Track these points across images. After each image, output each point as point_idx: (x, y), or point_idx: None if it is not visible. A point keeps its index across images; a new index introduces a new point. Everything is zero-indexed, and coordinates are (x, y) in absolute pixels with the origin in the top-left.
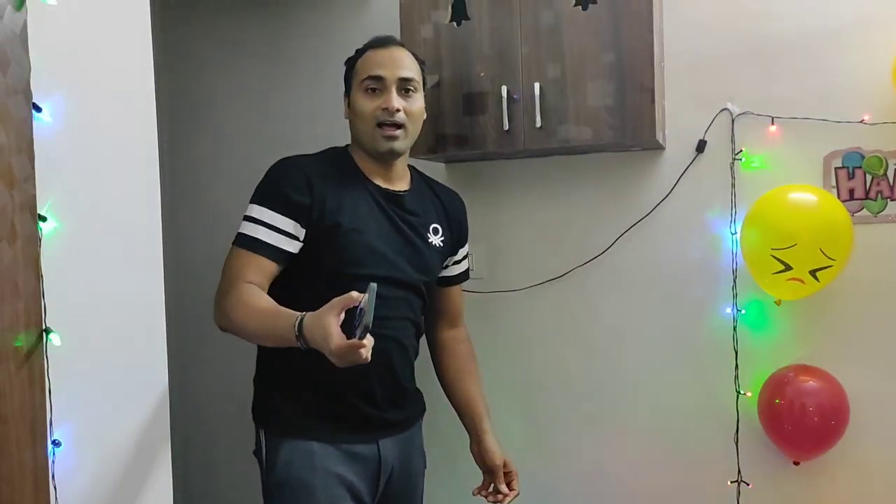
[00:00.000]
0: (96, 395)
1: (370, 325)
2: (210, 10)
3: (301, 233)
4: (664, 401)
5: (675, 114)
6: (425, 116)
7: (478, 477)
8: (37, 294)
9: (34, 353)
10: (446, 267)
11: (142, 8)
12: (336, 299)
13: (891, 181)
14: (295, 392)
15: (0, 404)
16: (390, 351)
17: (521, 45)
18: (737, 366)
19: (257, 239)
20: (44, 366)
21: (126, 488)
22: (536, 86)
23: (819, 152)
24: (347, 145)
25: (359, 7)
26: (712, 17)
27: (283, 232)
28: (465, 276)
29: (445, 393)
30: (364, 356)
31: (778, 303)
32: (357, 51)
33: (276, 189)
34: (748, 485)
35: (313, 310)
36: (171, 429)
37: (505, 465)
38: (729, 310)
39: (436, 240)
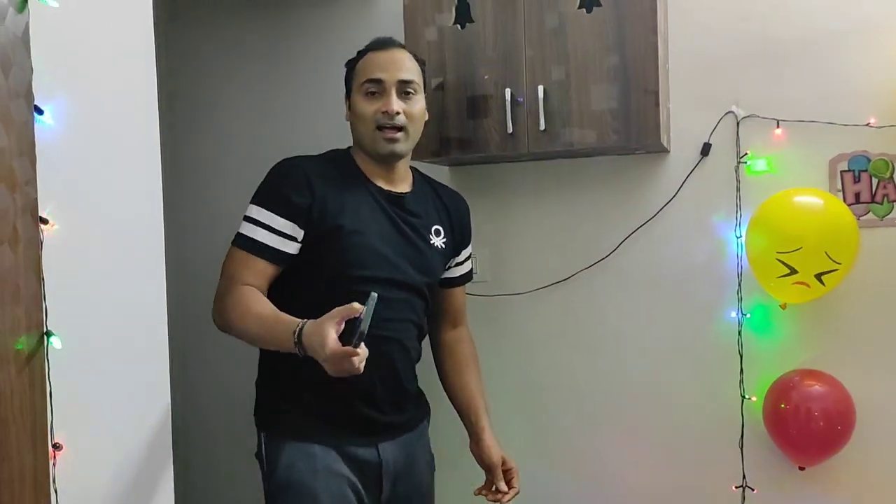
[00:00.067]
0: (97, 399)
1: (365, 333)
2: (212, 11)
3: (299, 234)
4: (668, 405)
5: (680, 116)
6: (427, 117)
7: (480, 478)
8: (38, 297)
9: (35, 356)
10: (449, 268)
11: (144, 10)
12: (337, 309)
13: None
14: (296, 394)
15: (1, 407)
16: (392, 352)
17: (525, 48)
18: (742, 370)
19: (256, 240)
20: (45, 369)
21: (128, 491)
22: (540, 88)
23: (825, 155)
24: (349, 147)
25: (362, 9)
26: (717, 19)
27: (281, 234)
28: (467, 277)
29: (446, 392)
30: (357, 365)
31: (783, 306)
32: (358, 52)
33: (276, 190)
34: (753, 490)
35: (314, 311)
36: (172, 431)
37: (504, 463)
38: (734, 313)
39: (438, 241)
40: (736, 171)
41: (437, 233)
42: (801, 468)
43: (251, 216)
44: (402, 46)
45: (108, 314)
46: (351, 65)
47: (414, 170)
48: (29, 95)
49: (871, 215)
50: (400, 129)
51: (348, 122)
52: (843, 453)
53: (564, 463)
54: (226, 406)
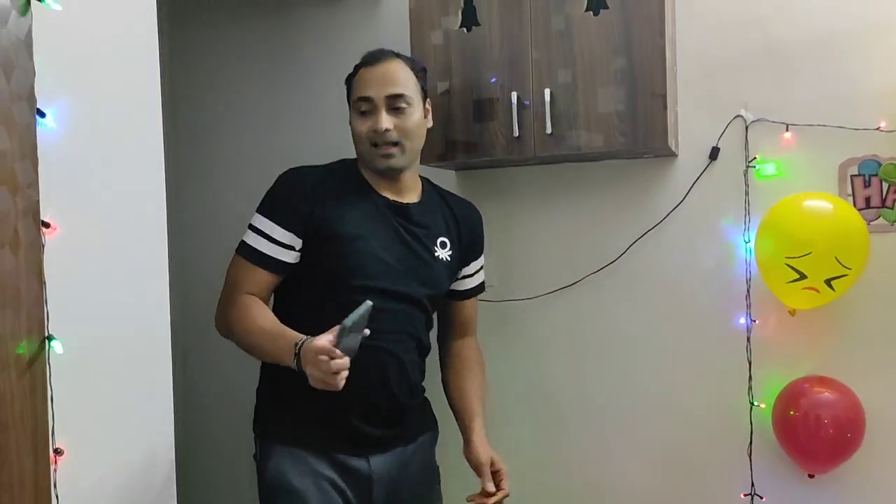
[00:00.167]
0: (99, 403)
1: (347, 326)
2: (216, 15)
3: (298, 243)
4: (676, 411)
5: (688, 120)
6: (430, 124)
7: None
8: (39, 301)
9: (36, 361)
10: (456, 280)
11: (148, 13)
12: (336, 327)
13: None
14: (291, 403)
15: (1, 412)
16: (385, 364)
17: (532, 51)
18: (750, 376)
19: (256, 250)
20: (46, 373)
21: (130, 496)
22: (547, 92)
23: (835, 160)
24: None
25: (368, 12)
26: (726, 22)
27: (281, 244)
28: (478, 290)
29: (446, 398)
30: (333, 369)
31: (792, 312)
32: (354, 67)
33: (278, 200)
34: (762, 498)
35: (312, 318)
36: (174, 435)
37: (493, 464)
38: (742, 319)
39: (443, 253)
40: (745, 176)
41: (443, 245)
42: (811, 476)
43: (254, 225)
44: (397, 55)
45: (110, 318)
46: (348, 81)
47: (425, 180)
48: (31, 98)
49: (881, 220)
50: (395, 143)
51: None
52: (852, 461)
53: (571, 468)
54: (228, 411)
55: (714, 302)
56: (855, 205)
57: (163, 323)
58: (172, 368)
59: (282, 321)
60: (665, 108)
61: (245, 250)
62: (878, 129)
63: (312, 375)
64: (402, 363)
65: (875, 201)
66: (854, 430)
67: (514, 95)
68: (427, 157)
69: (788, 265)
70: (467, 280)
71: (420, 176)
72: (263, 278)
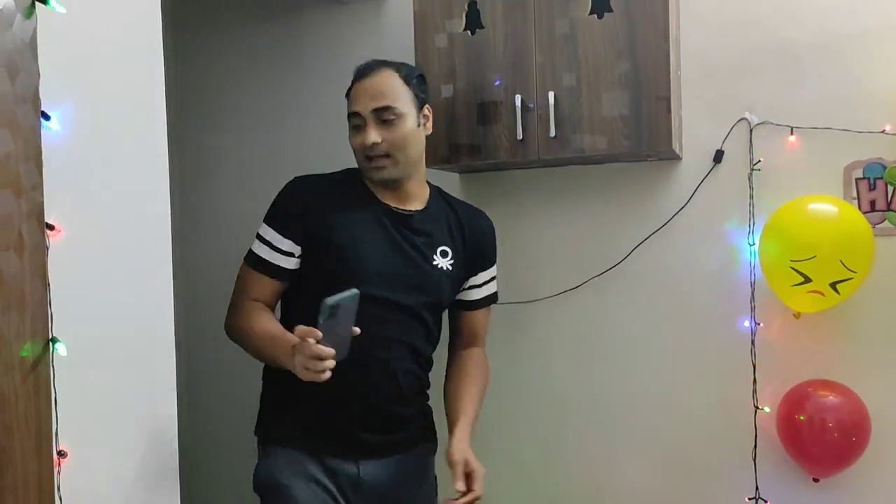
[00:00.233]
0: (103, 406)
1: (329, 304)
2: (220, 18)
3: (297, 250)
4: (681, 415)
5: (692, 123)
6: (429, 131)
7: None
8: (43, 303)
9: (40, 363)
10: (463, 290)
11: (152, 16)
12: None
13: None
14: (289, 406)
15: (5, 414)
16: (372, 373)
17: (536, 54)
18: (755, 380)
19: (260, 257)
20: (50, 376)
21: (133, 498)
22: (551, 95)
23: (839, 163)
24: None
25: (372, 16)
26: (729, 25)
27: (281, 251)
28: (488, 300)
29: (444, 404)
30: (315, 352)
31: (797, 316)
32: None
33: (279, 209)
34: (766, 501)
35: (311, 326)
36: (178, 438)
37: (466, 465)
38: (747, 322)
39: (443, 262)
40: (749, 179)
41: (444, 254)
42: (816, 480)
43: (259, 233)
44: (388, 65)
45: (114, 321)
46: (347, 95)
47: (434, 188)
48: (36, 101)
49: (886, 223)
50: (386, 156)
51: None
52: (857, 465)
53: (576, 469)
54: (231, 412)
55: (718, 305)
56: (860, 208)
57: (166, 325)
58: (176, 370)
59: (286, 328)
60: (669, 111)
61: (250, 258)
62: (882, 131)
63: (297, 363)
64: (392, 371)
65: (880, 204)
66: (859, 434)
67: (518, 98)
68: (431, 159)
69: (793, 268)
70: (474, 290)
71: (430, 183)
72: (267, 285)
